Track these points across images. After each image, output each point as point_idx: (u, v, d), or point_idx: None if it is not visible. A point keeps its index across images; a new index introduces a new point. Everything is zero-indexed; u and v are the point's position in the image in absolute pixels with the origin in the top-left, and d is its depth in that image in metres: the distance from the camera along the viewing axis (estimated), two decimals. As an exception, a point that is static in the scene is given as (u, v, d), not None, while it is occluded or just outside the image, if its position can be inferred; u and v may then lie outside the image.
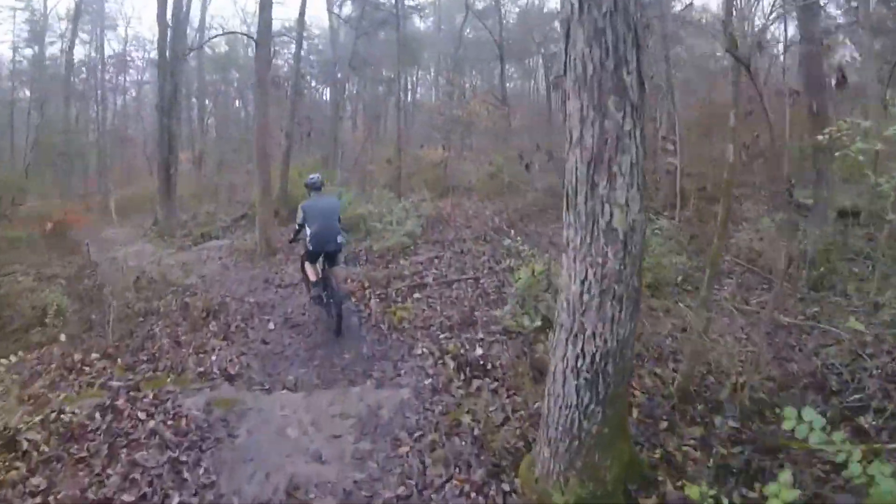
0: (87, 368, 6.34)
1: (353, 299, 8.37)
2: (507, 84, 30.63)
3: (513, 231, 10.57)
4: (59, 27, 24.64)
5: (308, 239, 7.16)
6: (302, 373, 6.25)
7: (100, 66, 28.83)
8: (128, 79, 32.02)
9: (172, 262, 12.25)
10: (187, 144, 30.53)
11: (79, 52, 30.31)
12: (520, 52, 29.47)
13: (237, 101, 36.42)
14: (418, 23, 31.97)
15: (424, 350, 6.45)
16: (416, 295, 8.40)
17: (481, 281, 8.85)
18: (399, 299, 8.29)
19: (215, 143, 29.03)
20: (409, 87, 32.02)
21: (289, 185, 17.04)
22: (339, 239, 7.23)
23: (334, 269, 7.51)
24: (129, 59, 29.29)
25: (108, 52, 30.67)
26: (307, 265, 7.52)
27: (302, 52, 29.85)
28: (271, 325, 7.79)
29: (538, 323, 6.28)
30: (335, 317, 7.03)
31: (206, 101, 29.40)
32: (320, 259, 7.38)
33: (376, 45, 25.64)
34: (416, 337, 6.86)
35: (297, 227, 7.56)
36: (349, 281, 9.18)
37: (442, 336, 6.82)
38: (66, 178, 23.35)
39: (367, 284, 8.87)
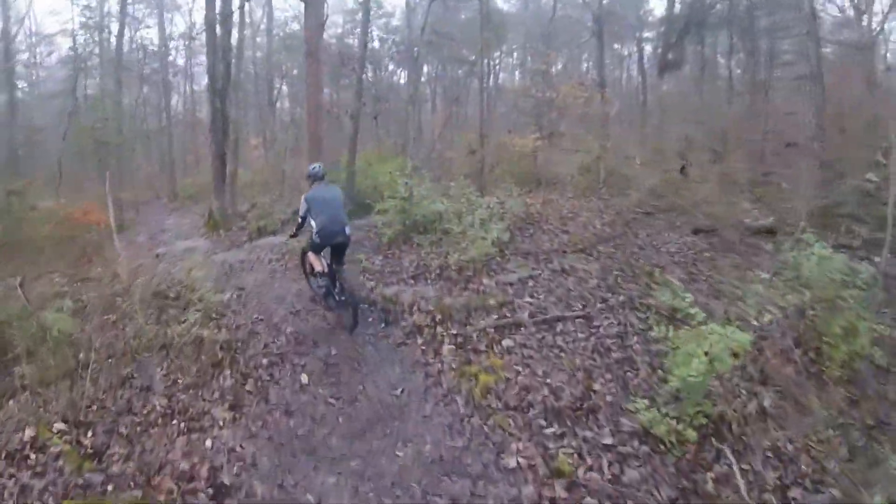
0: (32, 457, 4.34)
1: (420, 341, 6.13)
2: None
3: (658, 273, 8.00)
4: (117, 11, 23.33)
5: (315, 231, 6.84)
6: (331, 485, 4.01)
7: (163, 49, 27.83)
8: (195, 62, 30.95)
9: (216, 265, 10.42)
10: (257, 129, 29.24)
11: (146, 36, 29.64)
12: (612, 37, 26.35)
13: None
14: (501, 2, 29.31)
15: (521, 461, 4.10)
16: (507, 342, 6.02)
17: (595, 323, 6.39)
18: (483, 346, 5.94)
19: (287, 127, 27.50)
20: (491, 70, 29.41)
21: (356, 175, 14.93)
22: (348, 230, 7.01)
23: (343, 271, 7.22)
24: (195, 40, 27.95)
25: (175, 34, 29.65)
26: (312, 256, 7.18)
27: (376, 32, 28.21)
28: (303, 379, 5.65)
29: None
30: (351, 316, 6.74)
31: (277, 84, 27.83)
32: (327, 251, 7.10)
33: (456, 25, 23.31)
34: (509, 429, 4.50)
35: (299, 220, 7.16)
36: (417, 310, 6.92)
37: (548, 431, 4.45)
38: (119, 168, 22.10)
39: (439, 317, 6.56)
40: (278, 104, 29.10)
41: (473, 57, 22.93)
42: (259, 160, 25.77)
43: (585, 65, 28.46)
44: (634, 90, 28.14)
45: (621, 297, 7.11)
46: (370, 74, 28.74)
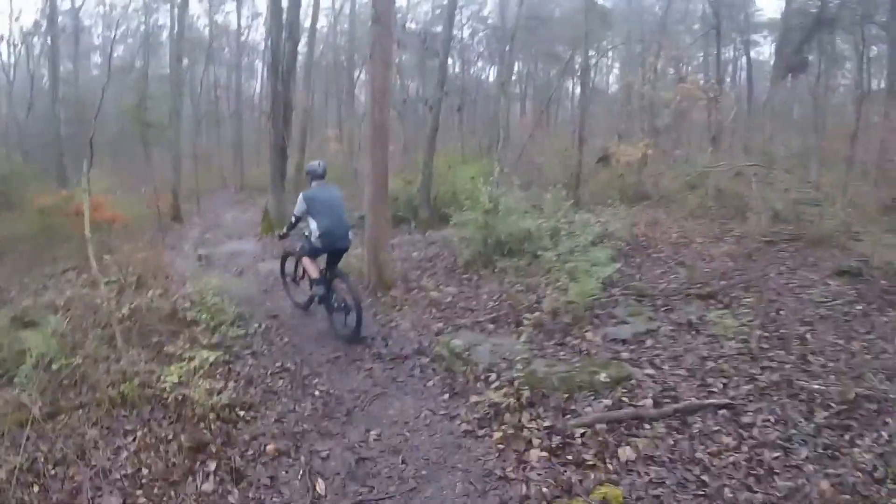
0: None
1: (496, 434, 4.27)
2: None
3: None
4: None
5: (316, 235, 6.36)
6: None
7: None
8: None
9: (256, 277, 8.96)
10: (336, 121, 28.08)
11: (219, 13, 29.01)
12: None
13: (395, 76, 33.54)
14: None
15: None
16: (626, 452, 3.98)
17: (745, 419, 4.30)
18: (590, 456, 3.97)
19: (363, 119, 26.15)
20: (590, 67, 27.05)
21: (434, 177, 13.19)
22: (350, 236, 6.53)
23: (343, 274, 6.54)
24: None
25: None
26: (307, 261, 6.66)
27: (465, 19, 26.37)
28: (319, 487, 3.85)
29: None
30: (354, 322, 6.16)
31: (357, 71, 26.47)
32: (323, 256, 6.61)
33: (550, 23, 21.25)
34: None
35: (293, 219, 6.73)
36: (496, 379, 5.06)
37: None
38: (170, 153, 21.24)
39: (526, 395, 4.65)
40: (358, 93, 27.86)
41: (570, 52, 20.96)
42: (336, 155, 24.58)
43: (687, 67, 25.81)
44: (737, 98, 25.25)
45: (774, 376, 5.00)
46: (457, 67, 27.08)
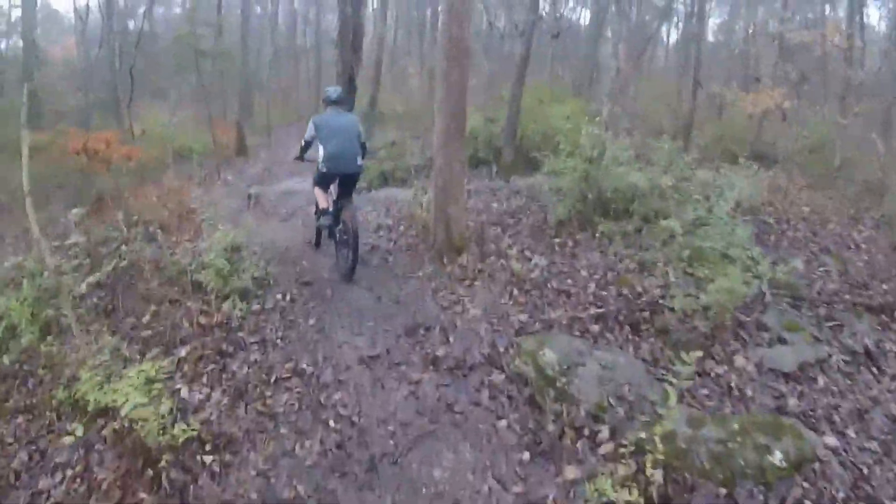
0: None
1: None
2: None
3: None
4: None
5: (322, 159, 5.76)
6: None
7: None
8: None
9: (307, 221, 7.43)
10: (417, 56, 26.05)
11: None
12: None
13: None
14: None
15: None
16: None
17: None
18: None
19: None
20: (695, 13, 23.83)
21: (521, 115, 11.03)
22: (359, 161, 5.85)
23: (351, 205, 5.85)
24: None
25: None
26: (318, 190, 6.06)
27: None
28: None
29: None
30: (349, 259, 5.54)
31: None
32: (335, 184, 6.04)
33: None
34: None
35: (303, 144, 6.06)
36: (609, 439, 3.15)
37: None
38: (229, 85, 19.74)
39: (653, 491, 2.72)
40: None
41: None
42: (416, 92, 22.70)
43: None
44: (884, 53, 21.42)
45: None
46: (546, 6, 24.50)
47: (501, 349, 4.08)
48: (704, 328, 4.21)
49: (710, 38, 24.91)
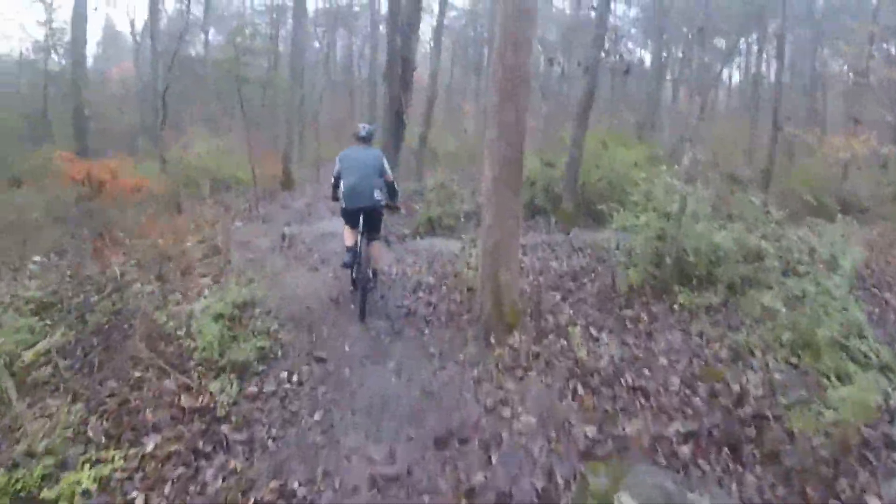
0: None
1: None
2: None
3: None
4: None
5: (342, 194, 5.71)
6: None
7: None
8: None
9: (340, 271, 6.54)
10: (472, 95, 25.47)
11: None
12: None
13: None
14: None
15: None
16: None
17: None
18: None
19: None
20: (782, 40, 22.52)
21: (583, 158, 9.92)
22: (377, 195, 5.63)
23: (373, 243, 5.81)
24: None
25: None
26: (346, 228, 5.90)
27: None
28: None
29: None
30: (360, 301, 5.40)
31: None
32: (360, 222, 5.67)
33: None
34: None
35: (333, 181, 5.95)
36: None
37: None
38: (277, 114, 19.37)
39: None
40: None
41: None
42: (473, 130, 22.04)
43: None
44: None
45: None
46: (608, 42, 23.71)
47: (561, 481, 2.99)
48: (823, 449, 3.09)
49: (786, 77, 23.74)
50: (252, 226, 10.06)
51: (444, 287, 6.07)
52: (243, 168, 14.35)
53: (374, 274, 5.99)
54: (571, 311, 5.18)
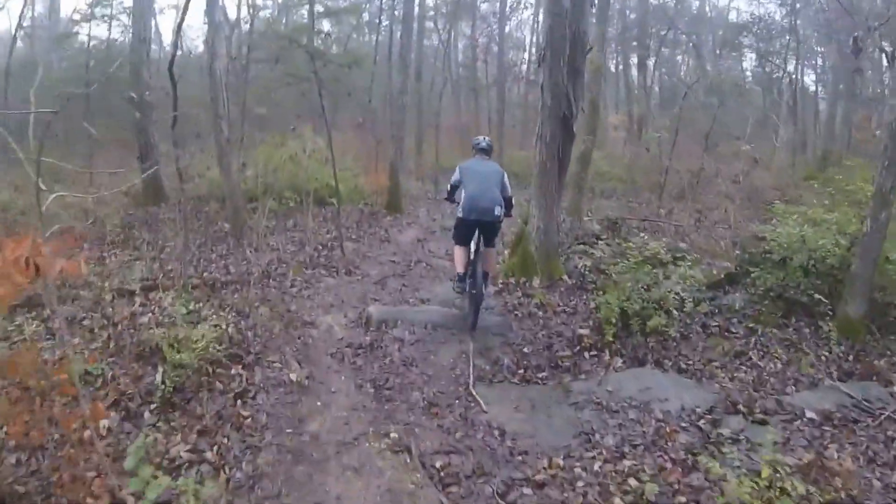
0: None
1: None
2: None
3: None
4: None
5: (461, 204, 5.60)
6: None
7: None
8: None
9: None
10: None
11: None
12: None
13: (682, 55, 25.81)
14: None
15: None
16: None
17: None
18: None
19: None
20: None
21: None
22: (496, 210, 5.51)
23: (488, 249, 5.75)
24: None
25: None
26: (457, 250, 5.83)
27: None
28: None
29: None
30: (472, 311, 5.46)
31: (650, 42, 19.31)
32: (474, 237, 5.65)
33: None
34: None
35: (449, 187, 5.99)
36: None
37: None
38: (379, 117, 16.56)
39: None
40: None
41: None
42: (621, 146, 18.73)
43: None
44: None
45: None
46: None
47: None
48: None
49: None
50: (320, 284, 7.01)
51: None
52: (345, 177, 11.09)
53: (486, 275, 5.68)
54: None
